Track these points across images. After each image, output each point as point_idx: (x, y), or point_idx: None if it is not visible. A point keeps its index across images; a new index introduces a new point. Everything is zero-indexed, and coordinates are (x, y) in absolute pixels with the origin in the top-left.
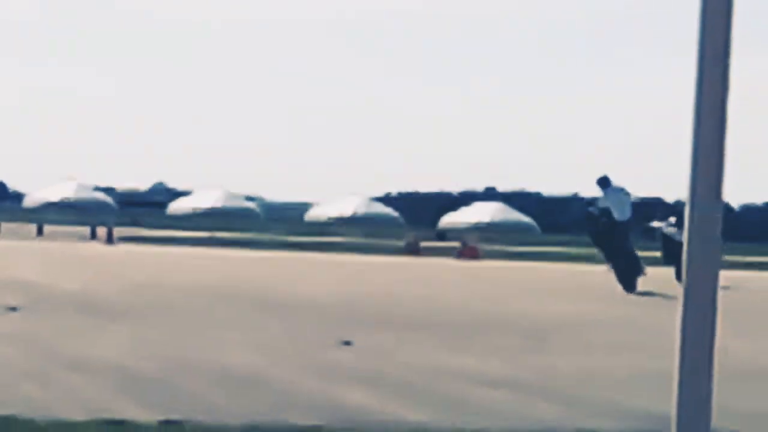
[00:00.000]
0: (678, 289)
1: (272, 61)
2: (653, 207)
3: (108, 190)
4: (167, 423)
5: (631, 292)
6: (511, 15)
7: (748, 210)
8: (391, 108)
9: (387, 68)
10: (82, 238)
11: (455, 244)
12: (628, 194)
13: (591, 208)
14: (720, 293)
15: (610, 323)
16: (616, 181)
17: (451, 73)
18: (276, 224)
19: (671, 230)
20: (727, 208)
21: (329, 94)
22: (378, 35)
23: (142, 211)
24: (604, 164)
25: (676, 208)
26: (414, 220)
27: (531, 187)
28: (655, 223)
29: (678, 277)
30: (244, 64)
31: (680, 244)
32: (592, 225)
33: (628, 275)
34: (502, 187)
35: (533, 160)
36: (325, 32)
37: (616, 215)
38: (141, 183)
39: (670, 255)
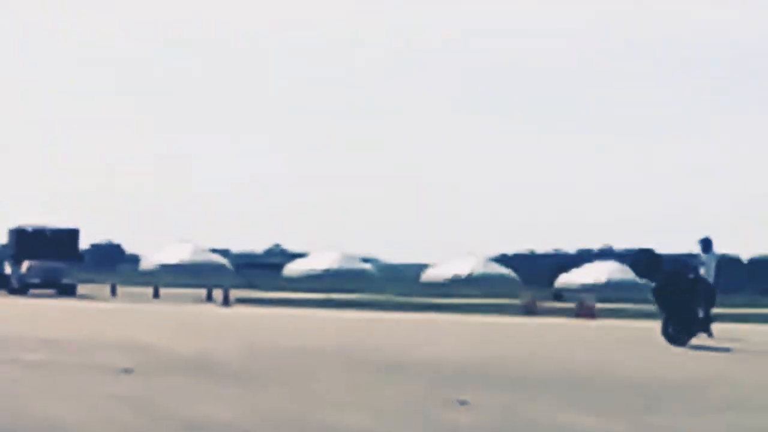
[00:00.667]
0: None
1: (387, 121)
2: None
3: (224, 252)
4: None
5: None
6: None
7: None
8: (507, 169)
9: (499, 127)
10: (198, 300)
11: (571, 304)
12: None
13: (691, 275)
14: None
15: (734, 382)
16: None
17: (563, 130)
18: (392, 285)
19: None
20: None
21: (445, 155)
22: (493, 92)
23: (258, 273)
24: (711, 227)
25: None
26: (530, 279)
27: (647, 246)
28: None
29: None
30: (357, 127)
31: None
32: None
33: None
34: (617, 245)
35: (650, 218)
36: (439, 95)
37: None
38: (257, 245)
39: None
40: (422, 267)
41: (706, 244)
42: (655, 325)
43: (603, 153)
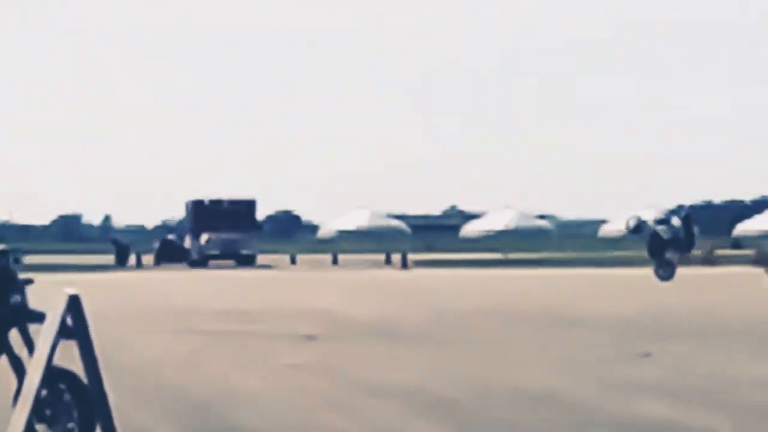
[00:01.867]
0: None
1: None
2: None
3: (401, 217)
4: None
5: None
6: None
7: None
8: (680, 115)
9: (679, 72)
10: (377, 265)
11: (750, 252)
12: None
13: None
14: None
15: None
16: None
17: (725, 78)
18: (570, 242)
19: (659, 228)
20: None
21: (620, 109)
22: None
23: (435, 235)
24: None
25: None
26: (708, 230)
27: None
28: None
29: (656, 270)
30: (521, 85)
31: (665, 241)
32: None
33: None
34: None
35: None
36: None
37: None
38: (433, 208)
39: (655, 249)
40: (599, 222)
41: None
42: None
43: None
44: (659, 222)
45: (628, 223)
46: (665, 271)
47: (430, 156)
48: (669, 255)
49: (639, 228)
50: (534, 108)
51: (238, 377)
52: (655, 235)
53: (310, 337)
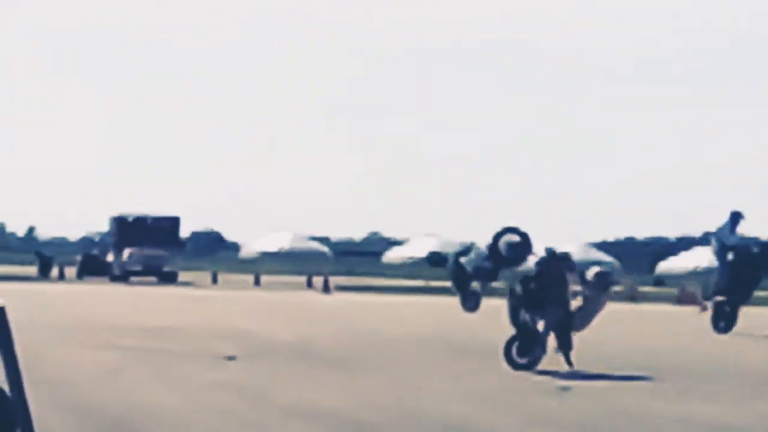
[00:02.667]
0: None
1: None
2: None
3: (323, 240)
4: None
5: None
6: None
7: None
8: (602, 148)
9: (607, 102)
10: (298, 287)
11: (673, 290)
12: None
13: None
14: None
15: None
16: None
17: (667, 116)
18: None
19: (462, 260)
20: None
21: (543, 143)
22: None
23: (357, 260)
24: None
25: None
26: (631, 266)
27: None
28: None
29: (462, 302)
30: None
31: (469, 272)
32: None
33: None
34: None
35: (755, 204)
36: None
37: None
38: (356, 233)
39: (459, 282)
40: None
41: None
42: (763, 311)
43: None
44: (460, 254)
45: (428, 255)
46: (471, 303)
47: (354, 181)
48: (473, 286)
49: (438, 261)
50: (461, 138)
51: (156, 394)
52: (458, 267)
53: (230, 357)
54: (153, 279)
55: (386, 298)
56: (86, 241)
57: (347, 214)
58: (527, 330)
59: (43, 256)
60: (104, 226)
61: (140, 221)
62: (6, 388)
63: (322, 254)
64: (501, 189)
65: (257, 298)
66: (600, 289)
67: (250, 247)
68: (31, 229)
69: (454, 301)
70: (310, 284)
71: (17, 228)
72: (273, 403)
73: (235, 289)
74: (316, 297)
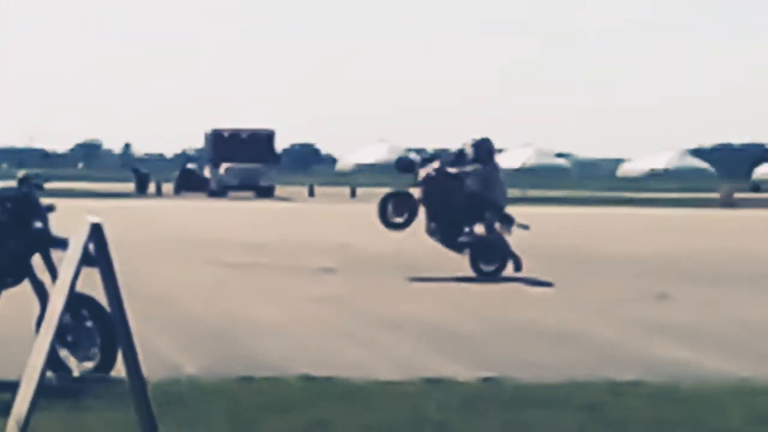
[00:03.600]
0: None
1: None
2: None
3: (419, 151)
4: (487, 380)
5: None
6: None
7: None
8: (700, 57)
9: (695, 17)
10: None
11: None
12: None
13: None
14: None
15: None
16: None
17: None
18: (588, 181)
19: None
20: None
21: (639, 50)
22: None
23: None
24: None
25: None
26: (727, 172)
27: None
28: None
29: None
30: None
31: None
32: None
33: None
34: None
35: None
36: None
37: None
38: (452, 143)
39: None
40: (618, 162)
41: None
42: None
43: None
44: (426, 160)
45: (396, 160)
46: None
47: (449, 93)
48: None
49: (406, 166)
50: (553, 47)
51: (258, 308)
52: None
53: (328, 270)
54: (250, 194)
55: None
56: (183, 157)
57: (444, 124)
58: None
59: (139, 173)
60: (200, 142)
61: (236, 136)
62: (106, 304)
63: None
64: (595, 99)
65: (354, 210)
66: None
67: (346, 160)
68: (127, 146)
69: (554, 210)
70: None
71: (113, 145)
72: (371, 315)
73: (332, 203)
74: None
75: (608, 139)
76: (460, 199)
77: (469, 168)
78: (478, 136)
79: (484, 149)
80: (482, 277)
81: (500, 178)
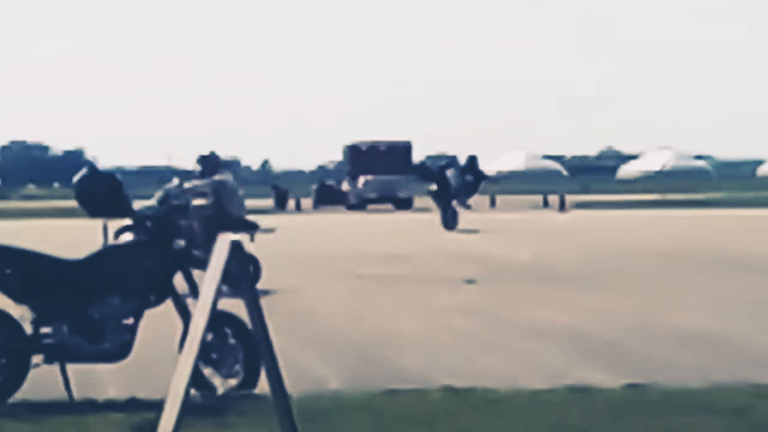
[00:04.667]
0: None
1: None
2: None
3: (557, 158)
4: (631, 387)
5: None
6: None
7: None
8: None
9: None
10: (534, 206)
11: None
12: None
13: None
14: None
15: None
16: None
17: None
18: (728, 182)
19: (448, 173)
20: None
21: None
22: None
23: (592, 176)
24: None
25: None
26: None
27: None
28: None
29: (443, 218)
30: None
31: (453, 187)
32: None
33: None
34: None
35: None
36: None
37: None
38: (590, 149)
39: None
40: (758, 162)
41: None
42: None
43: None
44: (445, 167)
45: (416, 166)
46: (453, 220)
47: (585, 97)
48: (456, 202)
49: (425, 173)
50: (690, 48)
51: (396, 320)
52: (442, 181)
53: (469, 281)
54: (389, 206)
55: (622, 213)
56: (321, 171)
57: (581, 130)
58: None
59: (278, 189)
60: (338, 156)
61: (373, 148)
62: (248, 321)
63: (557, 172)
64: (734, 99)
65: (493, 219)
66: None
67: (484, 169)
68: (265, 163)
69: (695, 213)
70: (546, 203)
71: (252, 162)
72: (513, 325)
73: (471, 212)
74: (552, 216)
75: (747, 140)
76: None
77: (195, 183)
78: (207, 152)
79: (210, 164)
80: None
81: (232, 187)
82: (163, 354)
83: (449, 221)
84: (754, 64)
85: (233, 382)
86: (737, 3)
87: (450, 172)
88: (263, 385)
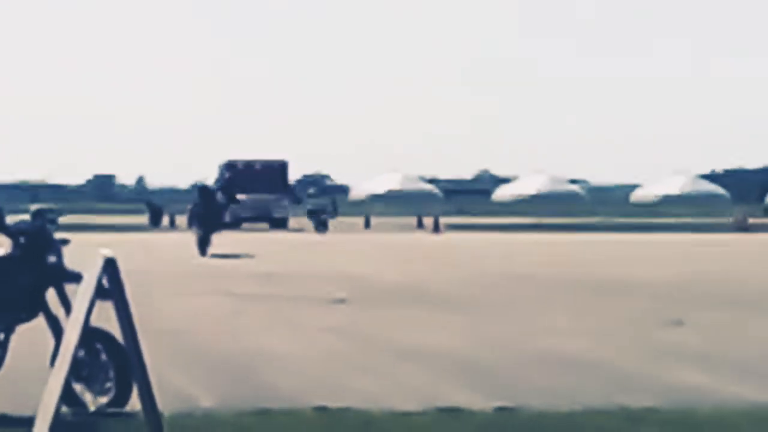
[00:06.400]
0: None
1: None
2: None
3: (433, 181)
4: (502, 409)
5: None
6: None
7: None
8: (713, 80)
9: (695, 45)
10: (408, 228)
11: None
12: None
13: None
14: None
15: None
16: None
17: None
18: (602, 207)
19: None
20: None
21: (651, 69)
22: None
23: (467, 199)
24: None
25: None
26: (740, 197)
27: None
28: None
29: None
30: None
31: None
32: None
33: None
34: None
35: None
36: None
37: None
38: (465, 171)
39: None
40: (632, 187)
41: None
42: None
43: None
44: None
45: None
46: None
47: (462, 120)
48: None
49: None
50: (564, 74)
51: (271, 339)
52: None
53: (340, 300)
54: (264, 225)
55: (497, 236)
56: (196, 189)
57: (456, 153)
58: None
59: (153, 206)
60: (213, 174)
61: (249, 167)
62: (120, 337)
63: (432, 194)
64: (607, 125)
65: (368, 240)
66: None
67: (359, 190)
68: (140, 179)
69: (568, 237)
70: (420, 225)
71: (127, 179)
72: (385, 346)
73: (346, 232)
74: (426, 237)
75: (621, 166)
76: None
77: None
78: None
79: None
80: None
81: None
82: (34, 370)
83: (321, 230)
84: (627, 95)
85: (104, 399)
86: (612, 45)
87: (314, 201)
88: (134, 403)
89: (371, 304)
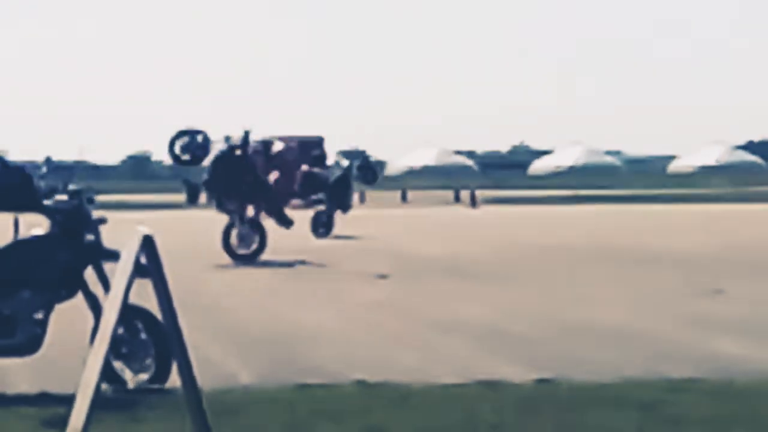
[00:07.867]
0: None
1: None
2: None
3: (469, 154)
4: (542, 381)
5: None
6: None
7: None
8: (747, 51)
9: (732, 18)
10: (445, 202)
11: None
12: None
13: None
14: None
15: None
16: None
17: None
18: (638, 178)
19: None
20: None
21: (681, 44)
22: None
23: (503, 172)
24: None
25: None
26: None
27: None
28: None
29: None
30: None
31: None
32: None
33: None
34: None
35: None
36: None
37: None
38: (502, 145)
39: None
40: (669, 158)
41: None
42: None
43: None
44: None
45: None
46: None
47: (498, 93)
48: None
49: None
50: (602, 45)
51: (307, 314)
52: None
53: (381, 276)
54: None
55: (534, 208)
56: None
57: (492, 126)
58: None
59: (190, 184)
60: None
61: (285, 143)
62: (159, 315)
63: (468, 168)
64: (645, 95)
65: (404, 214)
66: None
67: (396, 164)
68: None
69: (605, 208)
70: (457, 199)
71: (163, 156)
72: (425, 319)
73: (383, 207)
74: (463, 211)
75: (657, 137)
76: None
77: None
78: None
79: None
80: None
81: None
82: (74, 348)
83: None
84: (663, 63)
85: (144, 376)
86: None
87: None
88: (174, 380)
89: (412, 277)
